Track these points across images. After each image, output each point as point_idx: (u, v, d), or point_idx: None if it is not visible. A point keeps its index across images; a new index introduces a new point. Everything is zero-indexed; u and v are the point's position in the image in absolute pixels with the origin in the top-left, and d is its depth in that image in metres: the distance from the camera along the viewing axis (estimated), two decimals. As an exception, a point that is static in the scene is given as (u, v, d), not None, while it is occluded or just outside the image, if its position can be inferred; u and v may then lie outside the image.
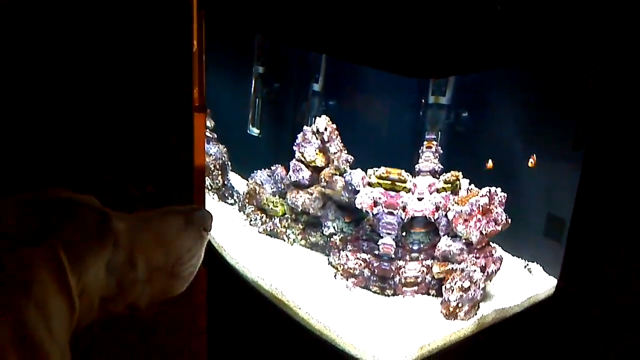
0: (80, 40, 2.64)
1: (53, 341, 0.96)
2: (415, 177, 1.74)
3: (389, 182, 1.75)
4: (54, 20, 2.54)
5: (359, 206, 1.79)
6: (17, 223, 1.03)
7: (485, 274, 1.75)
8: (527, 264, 1.98)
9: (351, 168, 1.88)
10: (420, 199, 1.74)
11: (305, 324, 1.74)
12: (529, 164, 1.83)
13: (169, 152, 3.34)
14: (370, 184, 1.78)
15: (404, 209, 1.72)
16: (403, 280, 1.76)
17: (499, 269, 1.80)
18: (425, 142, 1.73)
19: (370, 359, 1.61)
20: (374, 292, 1.80)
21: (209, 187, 2.22)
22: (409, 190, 1.73)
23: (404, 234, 1.78)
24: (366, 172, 1.81)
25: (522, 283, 1.91)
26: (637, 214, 1.89)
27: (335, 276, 1.86)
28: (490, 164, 1.83)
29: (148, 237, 1.18)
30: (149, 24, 2.89)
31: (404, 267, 1.75)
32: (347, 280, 1.83)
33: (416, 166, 1.74)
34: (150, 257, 1.17)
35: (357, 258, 1.81)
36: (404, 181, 1.73)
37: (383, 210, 1.76)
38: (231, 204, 2.23)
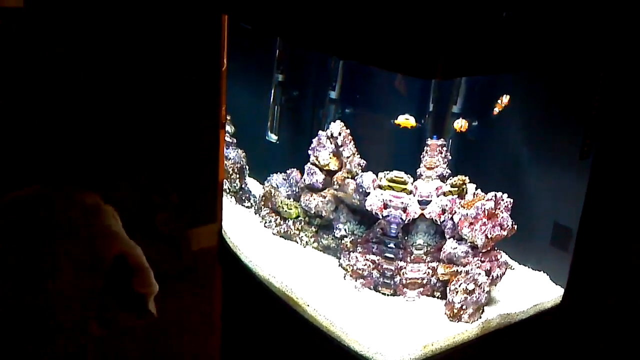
0: (121, 61, 2.79)
1: None
2: (415, 180, 1.80)
3: (399, 185, 1.80)
4: (92, 41, 2.68)
5: (368, 208, 1.84)
6: None
7: (490, 277, 1.79)
8: (511, 265, 2.01)
9: (363, 172, 1.93)
10: (425, 202, 1.80)
11: (313, 320, 1.79)
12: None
13: (195, 166, 3.45)
14: (380, 187, 1.83)
15: (404, 210, 1.77)
16: (404, 281, 1.80)
17: (504, 273, 1.83)
18: (426, 147, 1.79)
19: (374, 356, 1.64)
20: (383, 293, 1.85)
21: (227, 190, 2.29)
22: (410, 192, 1.78)
23: (406, 237, 1.83)
24: (377, 175, 1.86)
25: (528, 290, 1.94)
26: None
27: (344, 277, 1.91)
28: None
29: None
30: (183, 45, 3.04)
31: (405, 268, 1.79)
32: (356, 280, 1.87)
33: (417, 170, 1.79)
34: None
35: (367, 259, 1.86)
36: (405, 183, 1.78)
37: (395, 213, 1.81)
38: (248, 207, 2.30)
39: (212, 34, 3.11)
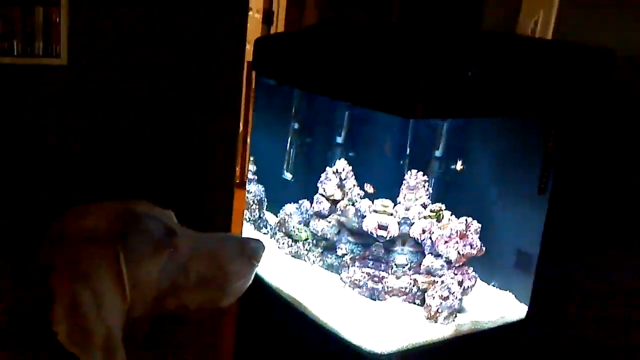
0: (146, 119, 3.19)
1: (101, 322, 1.22)
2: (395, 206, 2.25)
3: (388, 209, 2.22)
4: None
5: (365, 228, 2.25)
6: (97, 223, 1.32)
7: (462, 288, 2.17)
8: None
9: (362, 199, 2.35)
10: (409, 224, 2.21)
11: (317, 320, 2.17)
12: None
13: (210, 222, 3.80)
14: (375, 211, 2.24)
15: (385, 229, 2.18)
16: (391, 290, 2.19)
17: (474, 285, 2.22)
18: (405, 180, 2.20)
19: (365, 347, 2.01)
20: (374, 299, 2.24)
21: (247, 219, 2.70)
22: (390, 214, 2.21)
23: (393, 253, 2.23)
24: (372, 202, 2.28)
25: (495, 305, 2.31)
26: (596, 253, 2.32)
27: (343, 287, 2.30)
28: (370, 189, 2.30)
29: (204, 254, 1.40)
30: (202, 109, 3.45)
31: (390, 278, 2.19)
32: (353, 290, 2.26)
33: (402, 199, 2.22)
34: (202, 271, 1.40)
35: (362, 272, 2.25)
36: (392, 208, 2.21)
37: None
38: (265, 234, 2.71)
39: (229, 100, 3.58)
